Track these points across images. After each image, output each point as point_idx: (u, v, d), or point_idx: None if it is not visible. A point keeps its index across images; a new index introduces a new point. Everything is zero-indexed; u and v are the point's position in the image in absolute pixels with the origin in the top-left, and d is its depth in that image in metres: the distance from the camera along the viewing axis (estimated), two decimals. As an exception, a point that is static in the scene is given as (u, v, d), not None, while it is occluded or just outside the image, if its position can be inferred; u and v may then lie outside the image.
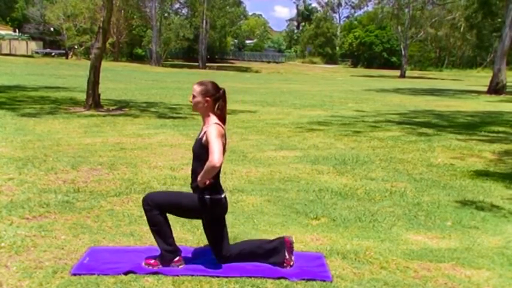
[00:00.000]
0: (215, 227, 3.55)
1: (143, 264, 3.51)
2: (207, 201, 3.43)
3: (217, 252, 3.56)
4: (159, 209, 3.48)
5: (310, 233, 4.32)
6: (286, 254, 3.59)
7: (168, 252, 3.50)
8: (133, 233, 4.18)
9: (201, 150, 3.41)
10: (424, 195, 5.74)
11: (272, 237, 4.15)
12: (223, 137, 3.41)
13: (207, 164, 3.28)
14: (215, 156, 3.24)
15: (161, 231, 3.51)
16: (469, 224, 4.75)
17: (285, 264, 3.57)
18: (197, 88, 3.48)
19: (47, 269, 3.41)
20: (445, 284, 3.48)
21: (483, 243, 4.26)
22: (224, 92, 3.53)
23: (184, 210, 3.53)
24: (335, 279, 3.44)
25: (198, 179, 3.36)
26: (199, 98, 3.45)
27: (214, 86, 3.51)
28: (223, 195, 3.51)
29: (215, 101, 3.47)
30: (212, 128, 3.35)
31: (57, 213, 4.58)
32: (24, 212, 4.57)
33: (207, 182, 3.37)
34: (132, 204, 4.96)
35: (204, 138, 3.38)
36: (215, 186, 3.46)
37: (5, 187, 5.36)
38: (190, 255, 3.73)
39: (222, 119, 3.49)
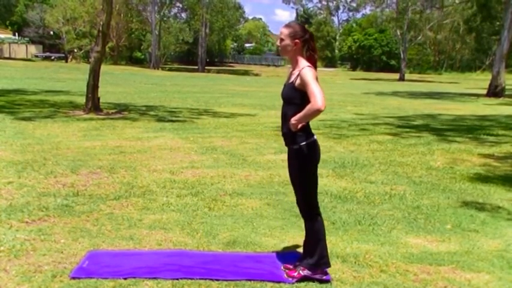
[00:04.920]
0: (314, 174, 3.48)
1: (284, 275, 3.47)
2: (304, 148, 3.34)
3: (312, 201, 3.54)
4: (315, 201, 3.55)
5: (309, 237, 4.31)
6: (304, 272, 3.45)
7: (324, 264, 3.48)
8: (133, 236, 4.18)
9: (294, 94, 3.32)
10: (423, 198, 5.73)
11: (274, 241, 4.16)
12: (317, 79, 3.28)
13: (310, 107, 3.15)
14: (318, 98, 3.12)
15: (323, 239, 3.50)
16: (468, 227, 4.74)
17: (288, 273, 3.49)
18: (285, 31, 3.35)
19: (46, 272, 3.41)
20: (445, 287, 3.48)
21: (483, 247, 4.26)
22: (312, 34, 3.41)
23: (310, 172, 3.49)
24: (335, 282, 3.44)
25: (292, 121, 3.25)
26: (287, 41, 3.33)
27: (302, 27, 3.39)
28: (315, 137, 3.41)
29: (304, 42, 3.34)
30: (306, 70, 3.25)
31: (56, 217, 4.58)
32: (23, 215, 4.56)
33: (300, 126, 3.27)
34: (131, 208, 4.96)
35: (298, 81, 3.27)
36: (308, 129, 3.36)
37: (4, 191, 5.35)
38: (189, 258, 3.72)
39: (312, 62, 3.36)
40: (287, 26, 3.40)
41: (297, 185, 3.50)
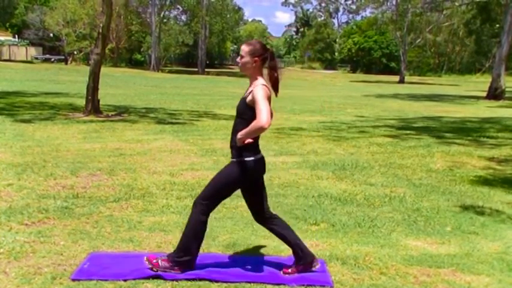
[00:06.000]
0: (258, 189, 3.60)
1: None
2: (249, 163, 3.40)
3: (260, 214, 3.65)
4: (212, 205, 3.54)
5: (309, 239, 4.31)
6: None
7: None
8: (133, 238, 4.18)
9: (244, 109, 3.38)
10: (423, 200, 5.73)
11: (274, 243, 4.16)
12: (269, 99, 3.34)
13: (254, 123, 3.23)
14: (263, 116, 3.19)
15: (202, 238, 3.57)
16: (468, 230, 4.74)
17: (290, 271, 3.58)
18: (245, 48, 3.43)
19: (45, 275, 3.41)
20: (445, 290, 3.48)
21: (483, 249, 4.26)
22: (272, 52, 3.48)
23: (231, 187, 3.52)
24: (335, 284, 3.44)
25: (238, 136, 3.33)
26: (247, 58, 3.40)
27: (262, 45, 3.46)
28: (261, 154, 3.50)
29: (263, 61, 3.42)
30: (259, 88, 3.31)
31: (56, 219, 4.58)
32: (23, 217, 4.56)
33: (246, 141, 3.33)
34: (131, 210, 4.96)
35: (250, 97, 3.34)
36: (254, 146, 3.42)
37: (4, 193, 5.35)
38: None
39: (273, 80, 3.42)
40: (247, 43, 3.48)
41: (212, 188, 3.52)
